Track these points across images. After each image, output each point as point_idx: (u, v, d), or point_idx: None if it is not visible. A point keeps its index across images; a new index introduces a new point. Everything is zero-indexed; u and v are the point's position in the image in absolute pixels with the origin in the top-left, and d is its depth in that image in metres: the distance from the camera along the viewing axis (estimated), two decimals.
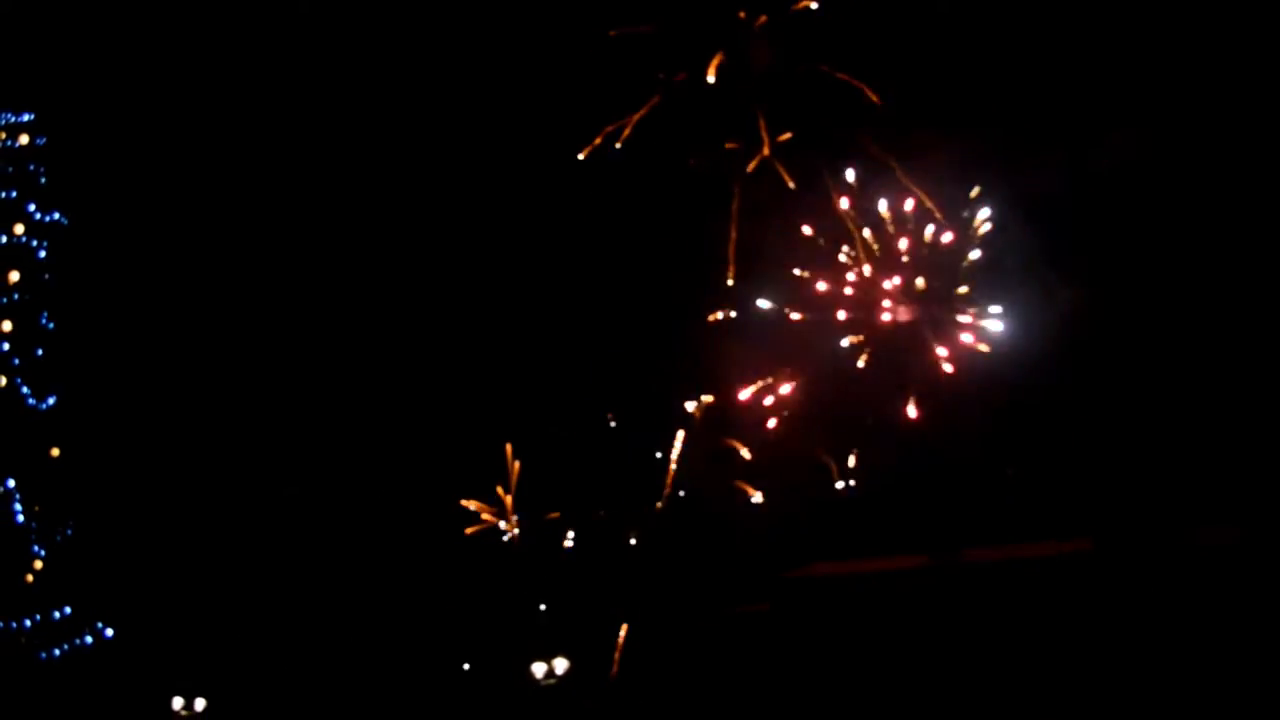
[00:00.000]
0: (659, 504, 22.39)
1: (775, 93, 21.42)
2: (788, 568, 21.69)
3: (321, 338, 24.77)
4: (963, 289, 21.80)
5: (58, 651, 23.95)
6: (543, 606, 23.32)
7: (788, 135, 21.33)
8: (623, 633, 21.86)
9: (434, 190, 24.27)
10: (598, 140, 21.80)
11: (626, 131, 21.72)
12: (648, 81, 21.66)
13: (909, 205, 21.71)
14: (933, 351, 21.63)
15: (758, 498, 22.26)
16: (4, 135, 25.37)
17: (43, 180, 25.41)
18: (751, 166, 21.81)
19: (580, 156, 21.83)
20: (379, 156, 24.27)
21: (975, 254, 21.78)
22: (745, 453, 22.10)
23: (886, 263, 21.88)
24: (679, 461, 22.33)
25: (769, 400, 21.92)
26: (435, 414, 24.14)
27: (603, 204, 22.80)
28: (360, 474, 24.32)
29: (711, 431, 22.31)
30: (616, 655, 21.85)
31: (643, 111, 21.66)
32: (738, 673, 20.91)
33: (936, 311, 21.70)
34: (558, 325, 23.51)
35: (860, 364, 21.76)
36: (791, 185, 21.39)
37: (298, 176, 24.77)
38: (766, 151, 21.41)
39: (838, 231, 21.74)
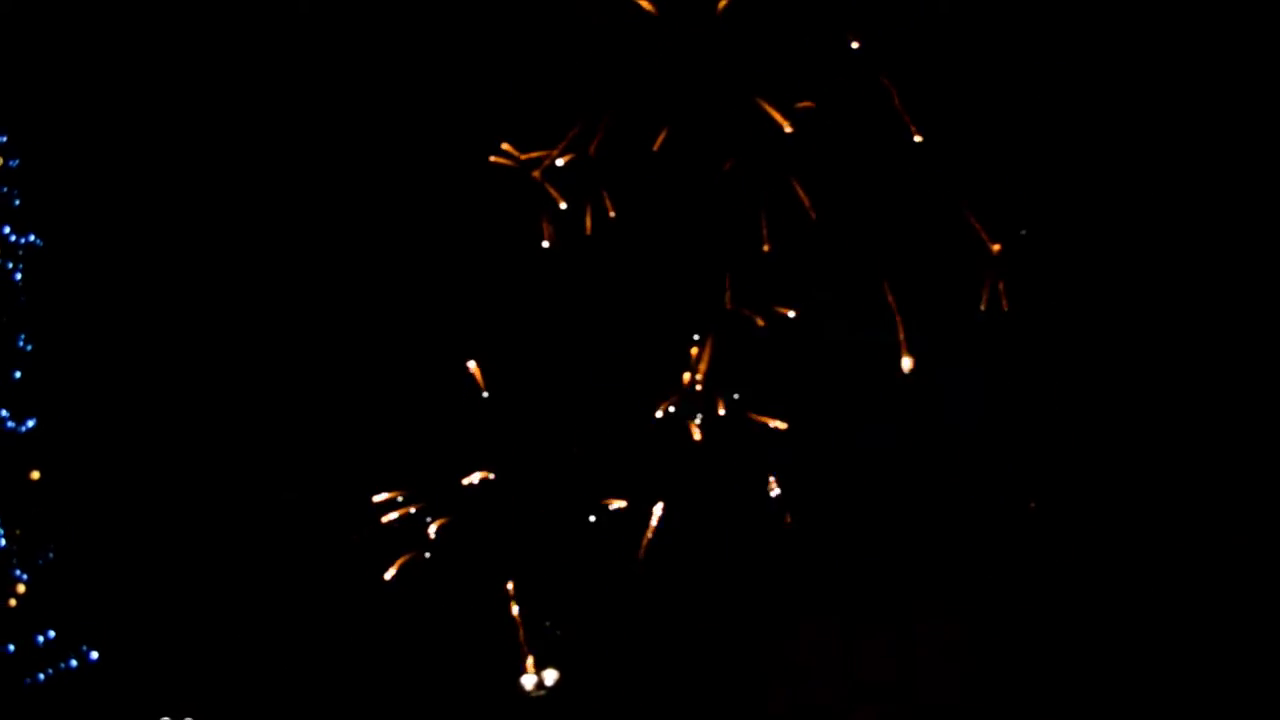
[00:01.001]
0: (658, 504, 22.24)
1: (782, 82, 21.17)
2: (793, 587, 21.53)
3: (305, 350, 24.68)
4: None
5: (42, 676, 23.81)
6: (534, 614, 23.19)
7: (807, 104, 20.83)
8: (655, 515, 21.26)
9: (422, 195, 24.16)
10: (597, 139, 21.74)
11: (599, 133, 21.70)
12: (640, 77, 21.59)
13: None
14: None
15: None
16: None
17: (17, 203, 25.27)
18: (722, 169, 21.73)
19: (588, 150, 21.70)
20: (370, 171, 24.20)
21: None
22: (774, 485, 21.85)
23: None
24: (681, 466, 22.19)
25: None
26: (431, 415, 23.96)
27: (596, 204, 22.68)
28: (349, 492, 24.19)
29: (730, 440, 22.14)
30: (645, 541, 21.32)
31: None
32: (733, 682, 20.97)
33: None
34: (556, 329, 23.37)
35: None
36: (813, 216, 21.24)
37: (280, 194, 24.73)
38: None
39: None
